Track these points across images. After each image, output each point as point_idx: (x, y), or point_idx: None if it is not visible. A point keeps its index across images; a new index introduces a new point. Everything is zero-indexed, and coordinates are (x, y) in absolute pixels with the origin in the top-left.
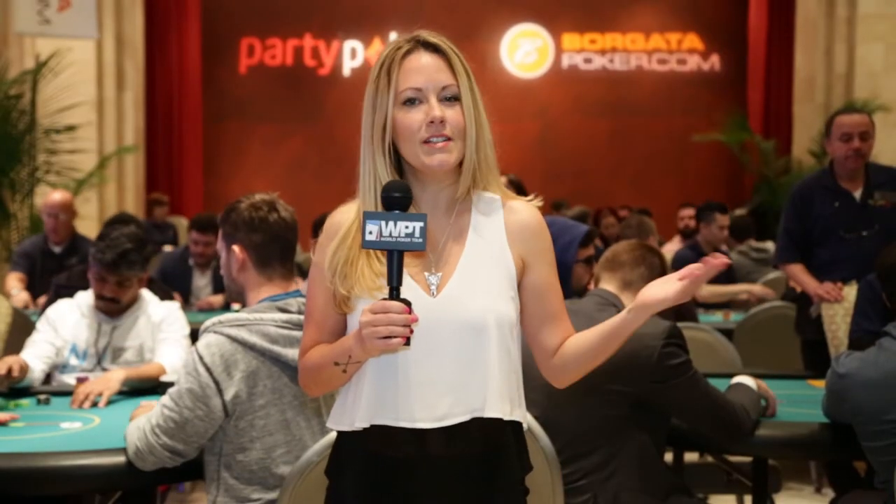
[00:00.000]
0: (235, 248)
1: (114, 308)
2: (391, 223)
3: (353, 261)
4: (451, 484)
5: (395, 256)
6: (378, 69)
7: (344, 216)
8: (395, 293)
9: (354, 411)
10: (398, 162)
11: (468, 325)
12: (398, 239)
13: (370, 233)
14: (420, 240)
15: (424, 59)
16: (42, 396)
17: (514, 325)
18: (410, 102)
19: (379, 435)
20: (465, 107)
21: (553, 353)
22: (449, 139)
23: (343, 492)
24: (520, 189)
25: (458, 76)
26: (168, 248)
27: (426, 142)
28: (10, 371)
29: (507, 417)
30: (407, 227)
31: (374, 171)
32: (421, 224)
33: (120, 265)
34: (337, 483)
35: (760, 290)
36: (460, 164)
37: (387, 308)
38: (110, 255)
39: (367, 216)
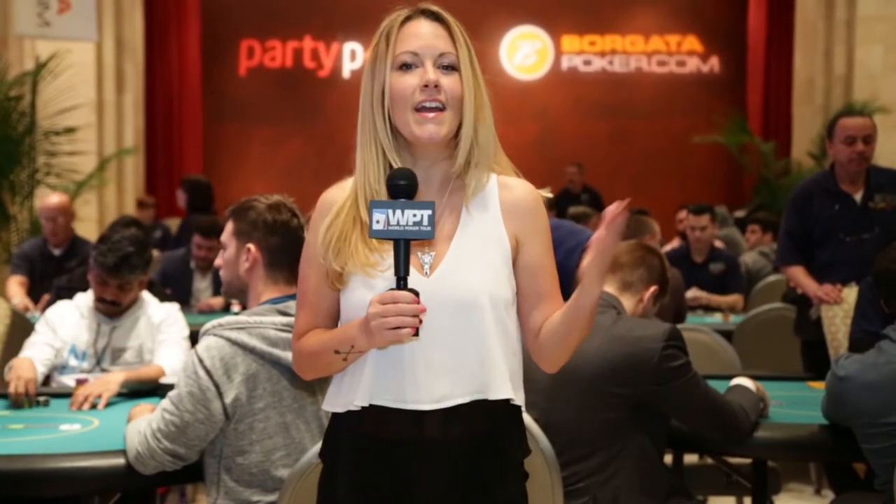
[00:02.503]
0: (252, 246)
1: (114, 310)
2: (398, 211)
3: (347, 236)
4: (448, 466)
5: (402, 246)
6: (378, 37)
7: (337, 193)
8: (402, 283)
9: (353, 391)
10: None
11: (463, 303)
12: (406, 228)
13: (377, 222)
14: (428, 228)
15: (424, 25)
16: (41, 398)
17: (509, 304)
18: (406, 67)
19: (375, 416)
20: (465, 77)
21: (538, 333)
22: (442, 109)
23: (337, 474)
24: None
25: (457, 46)
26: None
27: (418, 109)
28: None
29: (513, 399)
30: (415, 216)
31: (374, 139)
32: (429, 212)
33: (121, 268)
34: (330, 465)
35: (721, 301)
36: (455, 137)
37: (396, 298)
38: (112, 258)
39: (374, 205)
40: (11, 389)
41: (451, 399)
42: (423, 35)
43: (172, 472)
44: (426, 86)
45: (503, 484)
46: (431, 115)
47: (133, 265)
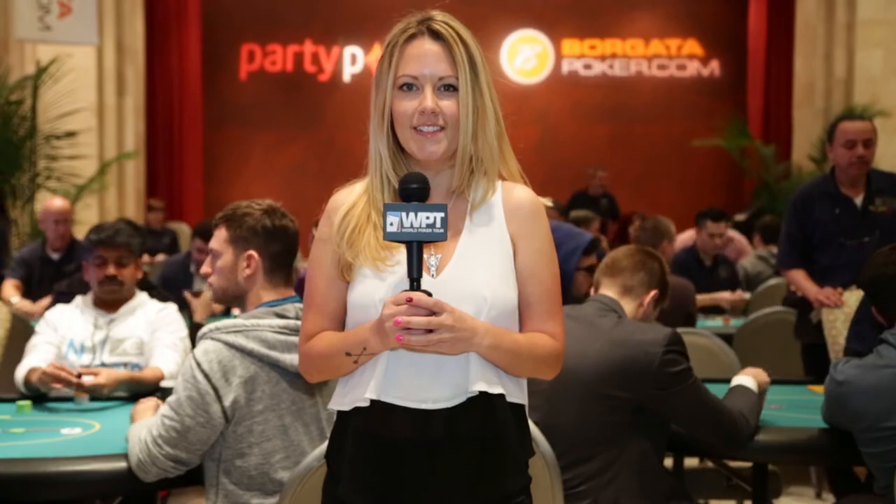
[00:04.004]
0: (253, 253)
1: (116, 290)
2: (412, 214)
3: (361, 229)
4: (450, 466)
5: (414, 248)
6: (385, 48)
7: (347, 195)
8: (415, 285)
9: (362, 387)
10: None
11: (468, 304)
12: (419, 230)
13: (391, 224)
14: (441, 230)
15: (427, 46)
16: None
17: (514, 306)
18: (408, 88)
19: (381, 414)
20: (461, 98)
21: None
22: (441, 129)
23: (339, 473)
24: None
25: (457, 66)
26: (161, 258)
27: (417, 129)
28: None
29: (515, 398)
30: (428, 218)
31: (377, 149)
32: (441, 214)
33: (116, 237)
34: (334, 466)
35: (730, 298)
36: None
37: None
38: (106, 232)
39: (388, 208)
40: (67, 377)
41: (455, 398)
42: (424, 58)
43: (173, 476)
44: (423, 112)
45: (504, 478)
46: (430, 134)
47: (129, 234)
